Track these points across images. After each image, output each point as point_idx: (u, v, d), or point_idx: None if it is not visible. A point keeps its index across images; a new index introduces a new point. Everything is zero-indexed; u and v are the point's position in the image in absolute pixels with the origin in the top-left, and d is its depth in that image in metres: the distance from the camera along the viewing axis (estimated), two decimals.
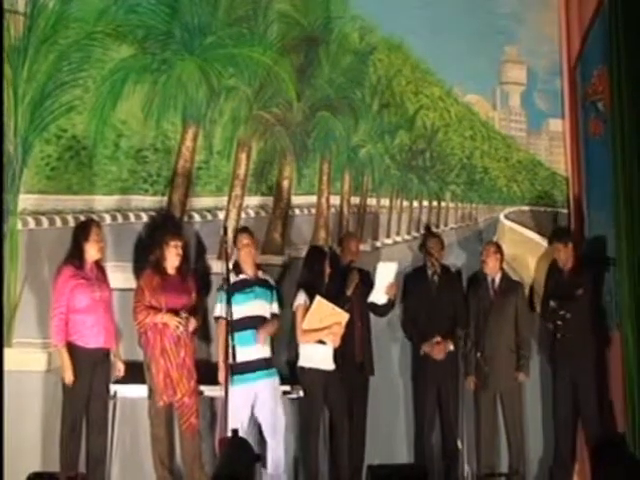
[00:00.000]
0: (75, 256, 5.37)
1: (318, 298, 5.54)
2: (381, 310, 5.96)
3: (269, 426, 5.50)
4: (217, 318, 5.49)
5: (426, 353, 5.88)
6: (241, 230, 5.74)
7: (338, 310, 5.58)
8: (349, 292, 5.77)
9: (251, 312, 5.49)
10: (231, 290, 5.30)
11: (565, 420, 6.05)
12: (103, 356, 5.40)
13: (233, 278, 5.47)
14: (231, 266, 5.48)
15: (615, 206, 5.93)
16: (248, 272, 5.58)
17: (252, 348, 5.44)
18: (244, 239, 5.60)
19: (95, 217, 5.72)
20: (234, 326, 5.19)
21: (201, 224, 6.04)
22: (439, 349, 5.86)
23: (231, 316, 5.13)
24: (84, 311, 5.31)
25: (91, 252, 5.39)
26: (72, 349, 5.28)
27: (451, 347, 5.89)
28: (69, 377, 5.23)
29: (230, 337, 5.07)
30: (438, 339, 5.86)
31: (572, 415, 6.05)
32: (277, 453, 5.48)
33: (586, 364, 5.97)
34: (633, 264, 5.79)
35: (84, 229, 5.43)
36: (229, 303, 5.16)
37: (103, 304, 5.40)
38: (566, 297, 6.01)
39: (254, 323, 5.49)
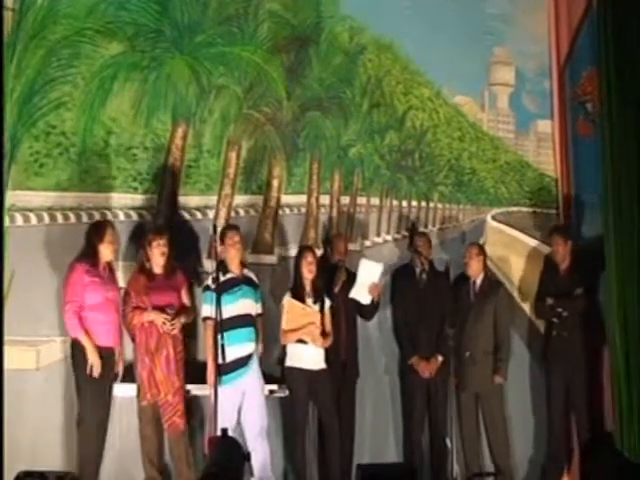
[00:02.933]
0: (89, 255, 5.35)
1: (287, 298, 5.57)
2: (366, 312, 5.96)
3: (256, 425, 5.47)
4: (205, 319, 5.45)
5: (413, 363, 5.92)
6: (230, 228, 5.69)
7: (309, 310, 5.59)
8: (336, 289, 5.77)
9: (240, 311, 5.47)
10: (219, 290, 5.26)
11: (558, 418, 6.08)
12: (110, 355, 5.36)
13: (220, 277, 5.43)
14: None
15: (604, 207, 5.97)
16: (235, 271, 5.55)
17: (242, 346, 5.43)
18: (235, 236, 5.56)
19: (84, 214, 5.69)
20: (224, 325, 5.17)
21: (190, 223, 6.01)
22: (426, 367, 5.88)
23: (220, 316, 5.10)
24: (96, 309, 5.30)
25: (105, 253, 5.38)
26: (82, 346, 5.24)
27: (440, 359, 5.89)
28: (97, 367, 5.22)
29: (220, 337, 5.04)
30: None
31: (565, 413, 6.09)
32: (263, 455, 5.44)
33: (580, 363, 6.00)
34: (621, 265, 5.83)
35: (99, 230, 5.41)
36: (219, 303, 5.11)
37: (114, 304, 5.38)
38: (563, 295, 6.04)
39: (244, 321, 5.48)
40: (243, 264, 5.62)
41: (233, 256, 5.53)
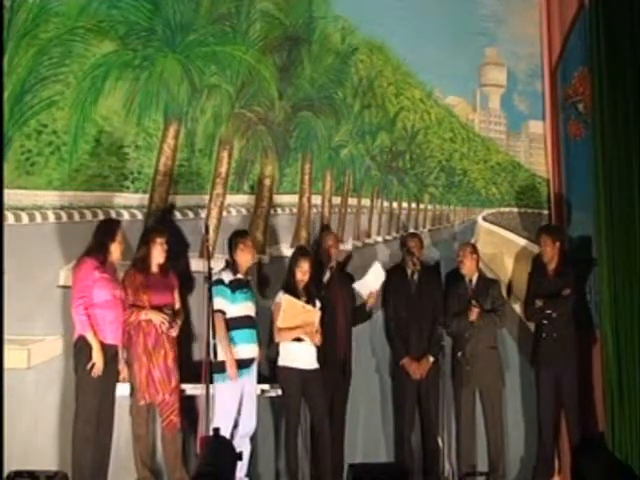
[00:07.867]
0: (99, 251, 5.30)
1: (286, 297, 5.57)
2: (358, 319, 5.97)
3: (246, 427, 5.49)
4: (216, 311, 5.39)
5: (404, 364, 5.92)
6: (244, 232, 5.74)
7: (308, 307, 5.60)
8: (325, 278, 5.80)
9: (245, 312, 5.54)
10: (231, 287, 5.44)
11: (549, 419, 6.09)
12: (115, 354, 5.33)
13: (230, 276, 5.52)
14: (224, 264, 5.57)
15: (595, 207, 5.99)
16: (243, 274, 5.61)
17: (249, 346, 5.50)
18: (250, 241, 5.66)
19: (76, 213, 5.67)
20: (230, 324, 5.34)
21: (182, 222, 5.99)
22: (417, 368, 5.88)
23: (212, 313, 5.12)
24: (104, 306, 5.26)
25: (116, 253, 5.38)
26: (87, 343, 5.19)
27: (431, 359, 5.90)
28: (99, 368, 5.16)
29: (213, 336, 5.08)
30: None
31: (556, 413, 6.10)
32: (246, 457, 5.42)
33: (571, 363, 6.02)
34: (613, 265, 5.85)
35: (112, 228, 5.40)
36: (210, 299, 5.15)
37: (121, 302, 5.35)
38: (552, 296, 6.05)
39: (248, 323, 5.53)
40: (247, 271, 5.67)
41: (247, 260, 5.61)
